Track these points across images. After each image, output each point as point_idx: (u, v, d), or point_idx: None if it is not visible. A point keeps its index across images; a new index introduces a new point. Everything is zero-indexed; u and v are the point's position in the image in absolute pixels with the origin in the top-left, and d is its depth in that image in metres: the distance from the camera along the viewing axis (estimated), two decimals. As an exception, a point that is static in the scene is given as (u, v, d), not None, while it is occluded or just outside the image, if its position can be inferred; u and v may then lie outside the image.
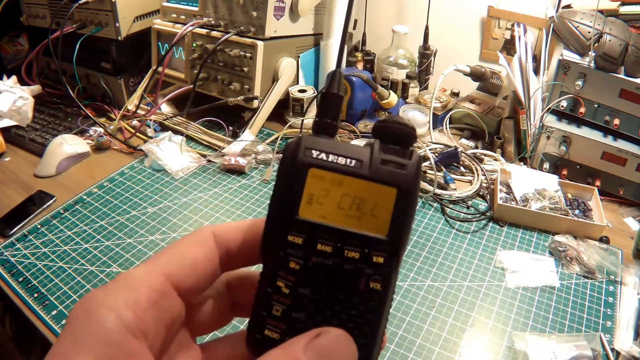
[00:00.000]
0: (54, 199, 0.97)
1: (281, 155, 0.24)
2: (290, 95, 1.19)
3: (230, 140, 1.12)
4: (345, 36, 0.28)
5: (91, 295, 0.21)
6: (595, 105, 0.99)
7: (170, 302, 0.23)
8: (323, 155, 0.24)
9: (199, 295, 0.25)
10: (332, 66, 1.25)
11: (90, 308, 0.20)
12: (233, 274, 0.27)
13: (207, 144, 1.15)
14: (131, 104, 1.23)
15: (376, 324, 0.23)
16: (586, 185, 1.00)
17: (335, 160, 0.24)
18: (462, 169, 1.07)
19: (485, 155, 1.11)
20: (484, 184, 1.02)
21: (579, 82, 0.98)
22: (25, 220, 0.91)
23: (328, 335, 0.22)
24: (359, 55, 1.35)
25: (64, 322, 0.71)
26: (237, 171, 1.06)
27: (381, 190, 0.23)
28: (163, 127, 1.19)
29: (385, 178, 0.23)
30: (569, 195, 0.98)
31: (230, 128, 1.15)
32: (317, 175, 0.23)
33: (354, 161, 0.24)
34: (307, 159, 0.23)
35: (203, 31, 1.15)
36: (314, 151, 0.24)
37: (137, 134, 1.15)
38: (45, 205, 0.95)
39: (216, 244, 0.25)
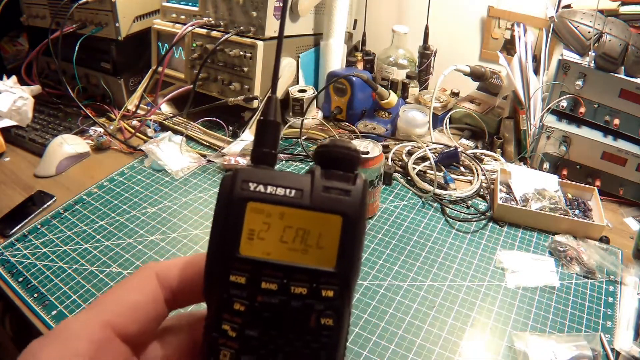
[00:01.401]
0: (54, 199, 0.97)
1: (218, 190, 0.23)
2: (290, 95, 1.18)
3: (230, 140, 1.12)
4: (280, 50, 0.27)
5: (30, 346, 0.20)
6: (595, 105, 0.99)
7: (112, 351, 0.22)
8: (261, 187, 0.22)
9: (145, 338, 0.24)
10: (332, 66, 1.25)
11: (27, 356, 0.20)
12: (195, 315, 0.26)
13: (207, 144, 1.15)
14: (131, 104, 1.23)
15: None
16: (586, 185, 1.00)
17: (274, 192, 0.22)
18: (462, 169, 1.07)
19: (485, 155, 1.11)
20: (484, 184, 1.02)
21: (579, 82, 0.98)
22: (25, 220, 0.91)
23: None
24: (359, 55, 1.35)
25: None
26: (237, 171, 1.05)
27: (325, 219, 0.22)
28: (163, 127, 1.19)
29: (328, 206, 0.22)
30: (569, 195, 0.98)
31: (230, 128, 1.15)
32: (256, 209, 0.22)
33: (294, 191, 0.22)
34: (244, 192, 0.22)
35: (203, 31, 1.15)
36: (251, 184, 0.22)
37: (137, 134, 1.15)
38: (45, 205, 0.95)
39: (159, 284, 0.24)
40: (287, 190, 0.22)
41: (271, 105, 0.25)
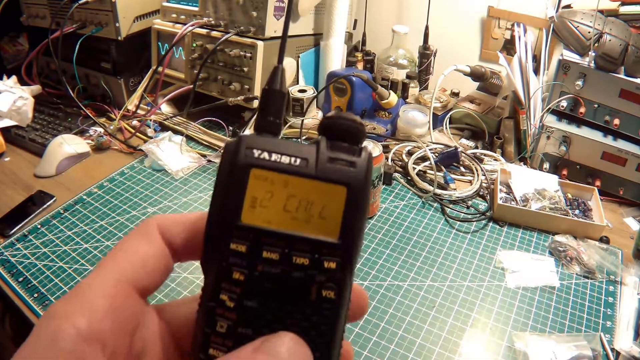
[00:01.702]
0: (54, 199, 0.97)
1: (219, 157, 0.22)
2: (290, 95, 1.18)
3: (230, 140, 1.12)
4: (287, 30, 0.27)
5: (51, 307, 0.21)
6: (595, 105, 0.99)
7: (127, 306, 0.22)
8: (265, 155, 0.22)
9: (155, 289, 0.24)
10: (332, 66, 1.25)
11: (47, 319, 0.20)
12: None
13: (207, 144, 1.15)
14: (131, 104, 1.23)
15: (331, 335, 0.22)
16: (586, 185, 1.00)
17: (279, 160, 0.22)
18: (462, 169, 1.07)
19: (485, 155, 1.11)
20: (484, 184, 1.02)
21: (579, 82, 0.98)
22: (25, 220, 0.91)
23: (278, 339, 0.21)
24: (359, 55, 1.35)
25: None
26: (237, 171, 1.05)
27: (330, 190, 0.22)
28: (163, 127, 1.19)
29: (333, 177, 0.22)
30: (569, 195, 0.98)
31: (230, 128, 1.15)
32: (259, 176, 0.22)
33: (299, 160, 0.22)
34: (248, 159, 0.22)
35: (203, 31, 1.15)
36: (255, 150, 0.22)
37: (137, 134, 1.15)
38: (45, 205, 0.95)
39: (162, 238, 0.24)
40: (292, 159, 0.22)
41: (277, 75, 0.25)
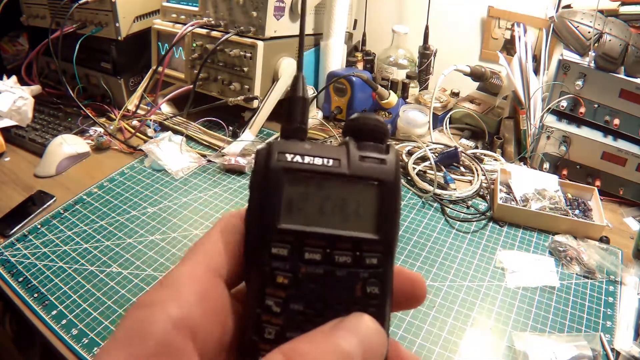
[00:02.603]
0: (54, 199, 0.97)
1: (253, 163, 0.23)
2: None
3: (230, 140, 1.12)
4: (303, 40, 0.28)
5: (141, 296, 0.21)
6: (595, 105, 0.99)
7: (218, 295, 0.22)
8: (298, 158, 0.22)
9: (239, 280, 0.24)
10: (332, 66, 1.25)
11: (137, 308, 0.20)
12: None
13: (207, 144, 1.15)
14: (131, 104, 1.23)
15: None
16: (586, 185, 1.00)
17: (312, 162, 0.22)
18: (462, 169, 1.07)
19: (485, 155, 1.11)
20: (484, 184, 1.02)
21: (579, 82, 0.98)
22: (25, 220, 0.91)
23: (355, 316, 0.21)
24: (359, 55, 1.35)
25: (64, 321, 0.71)
26: (237, 171, 1.06)
27: (364, 187, 0.22)
28: (163, 127, 1.19)
29: (367, 174, 0.22)
30: (569, 195, 0.98)
31: (230, 128, 1.15)
32: (294, 179, 0.22)
33: (331, 161, 0.22)
34: (281, 163, 0.22)
35: (203, 31, 1.15)
36: (287, 155, 0.22)
37: (137, 134, 1.15)
38: (45, 205, 0.95)
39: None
40: (325, 160, 0.22)
41: (299, 82, 0.26)
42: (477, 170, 1.04)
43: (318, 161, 0.22)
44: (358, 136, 0.23)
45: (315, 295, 0.22)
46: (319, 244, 0.22)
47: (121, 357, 0.19)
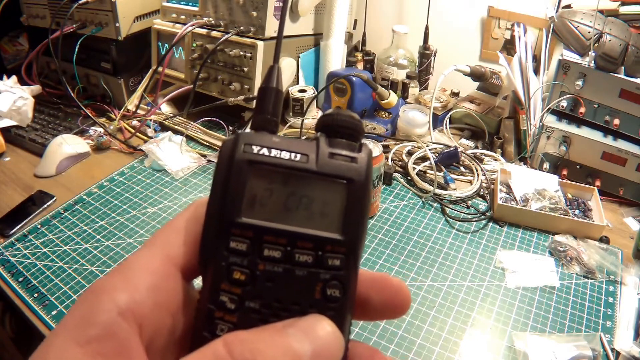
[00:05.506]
0: (54, 199, 0.97)
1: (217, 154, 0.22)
2: (290, 95, 1.19)
3: (228, 138, 1.12)
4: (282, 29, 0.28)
5: (96, 281, 0.21)
6: (595, 105, 0.99)
7: (172, 286, 0.21)
8: (265, 151, 0.21)
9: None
10: (332, 66, 1.25)
11: (88, 293, 0.20)
12: None
13: (207, 144, 1.15)
14: (131, 104, 1.23)
15: None
16: (586, 185, 1.00)
17: (278, 156, 0.21)
18: (462, 169, 1.07)
19: (485, 155, 1.11)
20: (484, 184, 1.02)
21: (579, 82, 0.98)
22: (25, 220, 0.91)
23: (313, 318, 0.20)
24: (359, 55, 1.35)
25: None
26: (237, 171, 1.05)
27: (331, 185, 0.21)
28: (163, 127, 1.19)
29: (335, 172, 0.21)
30: (569, 195, 0.98)
31: (230, 128, 1.15)
32: (259, 172, 0.21)
33: (299, 155, 0.21)
34: (247, 155, 0.21)
35: (203, 31, 1.15)
36: (254, 147, 0.21)
37: (137, 134, 1.15)
38: (45, 205, 0.95)
39: None
40: (292, 155, 0.21)
41: (272, 73, 0.25)
42: (477, 170, 1.04)
43: (285, 155, 0.21)
44: (331, 133, 0.22)
45: (273, 294, 0.21)
46: (280, 241, 0.21)
47: (67, 341, 0.19)
